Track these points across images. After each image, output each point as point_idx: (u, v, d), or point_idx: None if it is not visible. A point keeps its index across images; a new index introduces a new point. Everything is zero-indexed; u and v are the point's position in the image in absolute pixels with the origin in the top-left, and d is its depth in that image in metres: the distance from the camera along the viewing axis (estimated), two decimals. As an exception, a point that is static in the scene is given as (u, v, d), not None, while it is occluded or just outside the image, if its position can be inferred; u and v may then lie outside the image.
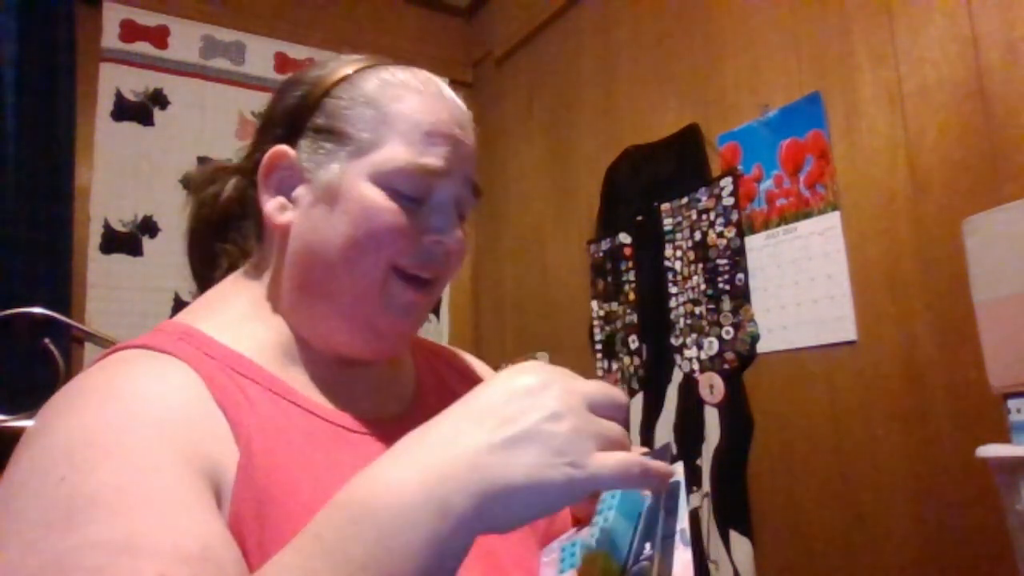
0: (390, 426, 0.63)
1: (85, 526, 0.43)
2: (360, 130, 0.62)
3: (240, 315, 0.64)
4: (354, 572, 0.38)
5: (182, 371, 0.55)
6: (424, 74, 0.66)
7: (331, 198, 0.61)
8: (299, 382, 0.61)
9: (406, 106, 0.63)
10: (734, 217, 1.54)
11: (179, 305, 1.90)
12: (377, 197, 0.60)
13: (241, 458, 0.51)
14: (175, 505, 0.45)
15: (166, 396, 0.52)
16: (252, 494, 0.50)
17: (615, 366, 1.82)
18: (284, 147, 0.64)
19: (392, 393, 0.68)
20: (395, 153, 0.61)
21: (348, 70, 0.65)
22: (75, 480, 0.45)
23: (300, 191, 0.63)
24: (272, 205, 0.63)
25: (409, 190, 0.61)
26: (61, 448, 0.47)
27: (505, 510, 0.40)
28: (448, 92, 0.66)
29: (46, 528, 0.43)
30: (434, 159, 0.62)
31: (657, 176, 1.75)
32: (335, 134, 0.63)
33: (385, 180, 0.61)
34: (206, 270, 0.72)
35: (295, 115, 0.65)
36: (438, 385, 0.74)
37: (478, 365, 0.84)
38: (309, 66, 0.68)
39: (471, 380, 0.79)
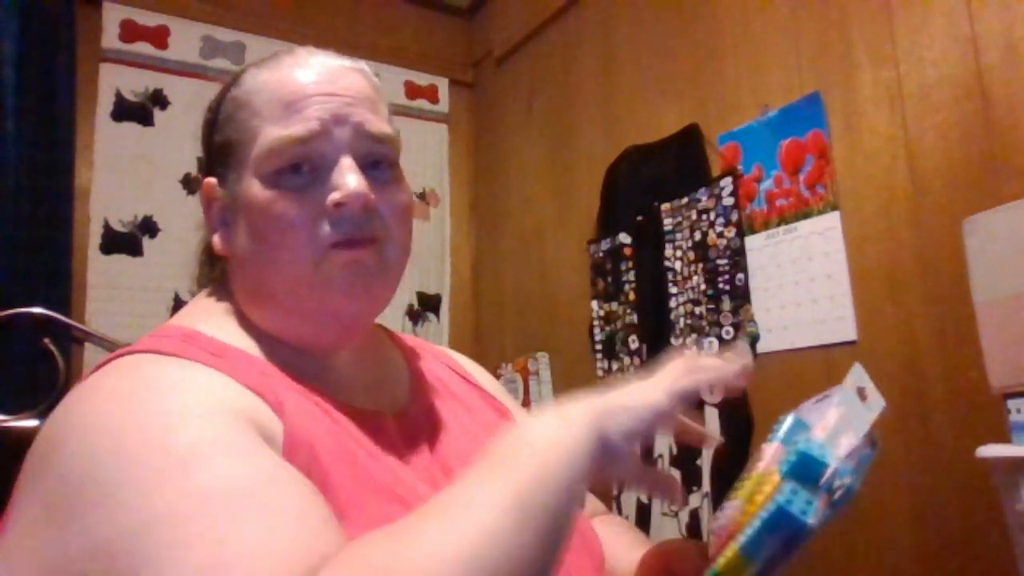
0: (390, 422, 0.64)
1: (206, 467, 0.43)
2: (238, 134, 0.62)
3: (230, 319, 0.64)
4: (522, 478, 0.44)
5: (202, 370, 0.55)
6: (291, 50, 0.65)
7: (239, 211, 0.62)
8: (303, 378, 0.61)
9: (266, 90, 0.62)
10: (734, 217, 1.54)
11: (179, 305, 1.89)
12: (260, 193, 0.60)
13: (285, 431, 0.52)
14: (269, 454, 0.47)
15: (201, 381, 0.52)
16: (301, 463, 0.50)
17: (615, 366, 1.82)
18: (207, 179, 0.65)
19: (386, 392, 0.69)
20: (265, 137, 0.60)
21: (228, 82, 0.66)
22: (161, 438, 0.45)
23: (229, 214, 0.64)
24: (216, 237, 0.65)
25: (292, 165, 0.60)
26: (123, 427, 0.46)
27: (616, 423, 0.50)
28: (317, 57, 0.64)
29: (159, 474, 0.42)
30: (302, 124, 0.60)
31: (657, 176, 1.75)
32: (226, 147, 0.63)
33: (266, 169, 0.60)
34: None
35: (204, 142, 0.67)
36: (433, 383, 0.74)
37: (471, 365, 0.84)
38: None
39: (469, 382, 0.79)
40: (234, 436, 0.46)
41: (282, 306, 0.62)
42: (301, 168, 0.60)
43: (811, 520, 0.45)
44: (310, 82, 0.61)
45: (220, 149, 0.64)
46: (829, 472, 0.47)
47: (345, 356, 0.66)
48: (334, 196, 0.59)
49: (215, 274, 0.71)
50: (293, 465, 0.49)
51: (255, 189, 0.60)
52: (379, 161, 0.63)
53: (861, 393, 0.54)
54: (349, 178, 0.59)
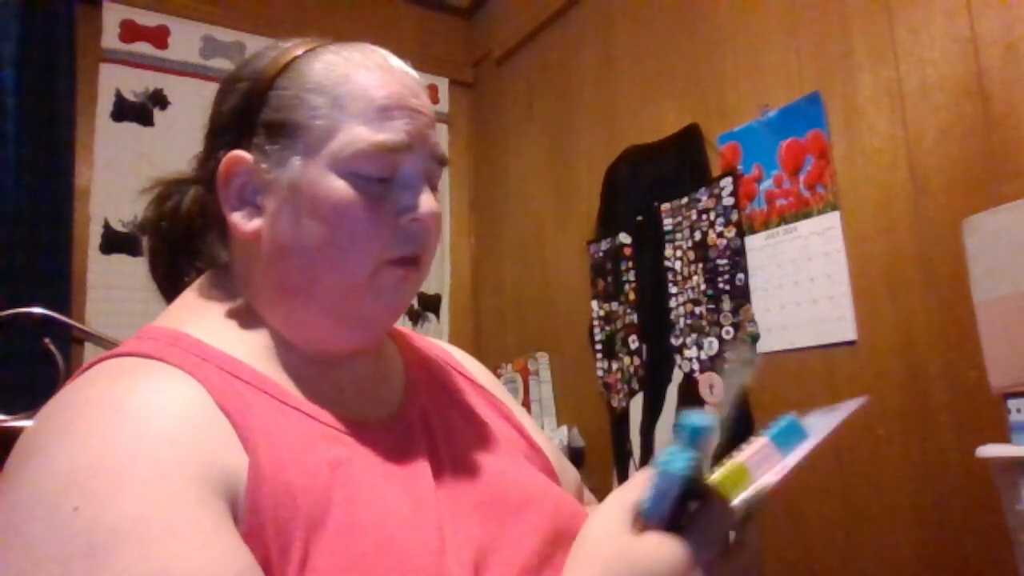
0: (383, 427, 0.63)
1: (112, 561, 0.41)
2: (313, 119, 0.59)
3: (223, 319, 0.62)
4: None
5: (180, 379, 0.53)
6: (368, 47, 0.64)
7: (297, 197, 0.59)
8: (290, 384, 0.59)
9: (356, 85, 0.60)
10: (734, 217, 1.54)
11: (179, 305, 1.89)
12: (344, 190, 0.58)
13: (251, 464, 0.50)
14: (202, 534, 0.44)
15: (170, 408, 0.50)
16: (268, 500, 0.49)
17: (615, 366, 1.82)
18: (238, 152, 0.60)
19: (380, 394, 0.67)
20: (353, 136, 0.58)
21: (287, 58, 0.62)
22: (91, 510, 0.43)
23: (263, 194, 0.60)
24: (237, 215, 0.61)
25: (375, 171, 0.59)
26: (68, 473, 0.45)
27: None
28: (396, 62, 0.64)
29: (66, 563, 0.41)
30: (394, 134, 0.59)
31: (657, 176, 1.75)
32: (288, 127, 0.60)
33: (348, 166, 0.58)
34: (174, 284, 0.69)
35: (242, 115, 0.62)
36: (429, 383, 0.73)
37: (470, 362, 0.82)
38: (245, 60, 0.65)
39: (467, 380, 0.78)
40: (168, 511, 0.44)
41: (321, 304, 0.60)
42: (380, 176, 0.60)
43: (686, 472, 0.50)
44: (399, 92, 0.61)
45: (274, 127, 0.60)
46: (703, 437, 0.52)
47: (350, 358, 0.66)
48: (418, 216, 0.60)
49: (202, 262, 0.68)
50: (258, 497, 0.48)
51: (334, 183, 0.58)
52: (435, 184, 0.64)
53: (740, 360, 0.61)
54: (427, 199, 0.61)
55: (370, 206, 0.59)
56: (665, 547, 0.50)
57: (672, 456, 0.51)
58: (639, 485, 0.53)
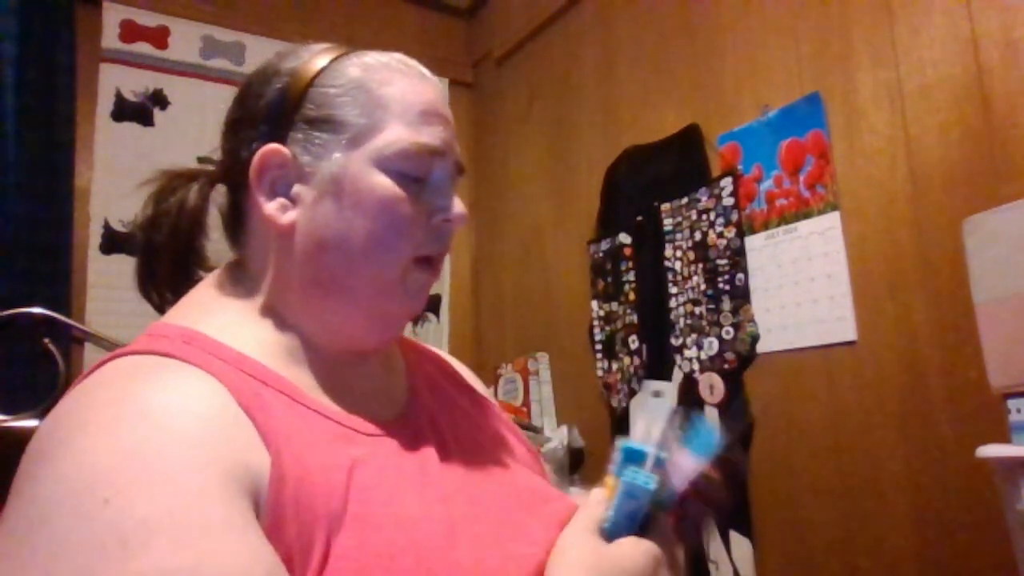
0: (394, 427, 0.63)
1: (144, 551, 0.41)
2: (356, 116, 0.61)
3: (238, 317, 0.62)
4: None
5: (201, 378, 0.52)
6: (401, 56, 0.66)
7: (338, 190, 0.60)
8: (304, 384, 0.60)
9: (396, 88, 0.62)
10: (734, 217, 1.54)
11: (179, 305, 1.89)
12: (389, 186, 0.60)
13: (273, 464, 0.50)
14: (232, 531, 0.44)
15: (194, 408, 0.50)
16: (290, 500, 0.49)
17: (615, 366, 1.82)
18: (276, 145, 0.61)
19: (388, 394, 0.68)
20: (397, 135, 0.61)
21: (326, 58, 0.64)
22: (121, 502, 0.43)
23: (299, 188, 0.61)
24: (273, 206, 0.61)
25: (413, 171, 0.61)
26: (95, 467, 0.45)
27: None
28: (428, 72, 0.67)
29: (99, 552, 0.41)
30: (432, 138, 0.62)
31: (657, 176, 1.75)
32: (329, 123, 0.61)
33: (389, 164, 0.60)
34: (177, 283, 0.69)
35: (279, 110, 0.62)
36: (431, 384, 0.74)
37: (463, 369, 0.84)
38: (275, 59, 0.66)
39: (459, 384, 0.79)
40: (198, 506, 0.44)
41: (353, 299, 0.62)
42: (417, 176, 0.62)
43: (653, 485, 0.57)
44: (434, 101, 0.64)
45: (315, 123, 0.61)
46: (650, 457, 0.58)
47: (364, 358, 0.66)
48: (449, 217, 0.64)
49: (203, 262, 0.68)
50: (280, 496, 0.48)
51: (378, 178, 0.60)
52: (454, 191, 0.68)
53: (657, 395, 0.64)
54: (458, 202, 0.65)
55: (410, 203, 0.61)
56: (641, 546, 0.56)
57: (635, 475, 0.57)
58: (599, 505, 0.59)
